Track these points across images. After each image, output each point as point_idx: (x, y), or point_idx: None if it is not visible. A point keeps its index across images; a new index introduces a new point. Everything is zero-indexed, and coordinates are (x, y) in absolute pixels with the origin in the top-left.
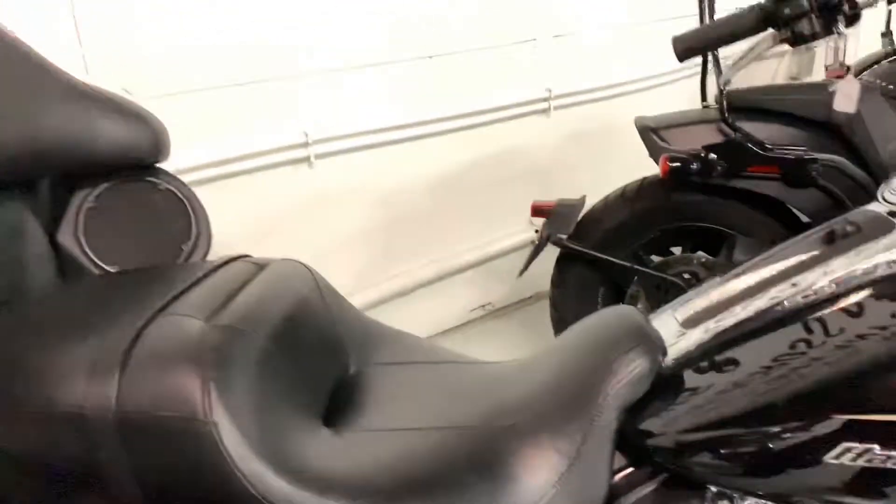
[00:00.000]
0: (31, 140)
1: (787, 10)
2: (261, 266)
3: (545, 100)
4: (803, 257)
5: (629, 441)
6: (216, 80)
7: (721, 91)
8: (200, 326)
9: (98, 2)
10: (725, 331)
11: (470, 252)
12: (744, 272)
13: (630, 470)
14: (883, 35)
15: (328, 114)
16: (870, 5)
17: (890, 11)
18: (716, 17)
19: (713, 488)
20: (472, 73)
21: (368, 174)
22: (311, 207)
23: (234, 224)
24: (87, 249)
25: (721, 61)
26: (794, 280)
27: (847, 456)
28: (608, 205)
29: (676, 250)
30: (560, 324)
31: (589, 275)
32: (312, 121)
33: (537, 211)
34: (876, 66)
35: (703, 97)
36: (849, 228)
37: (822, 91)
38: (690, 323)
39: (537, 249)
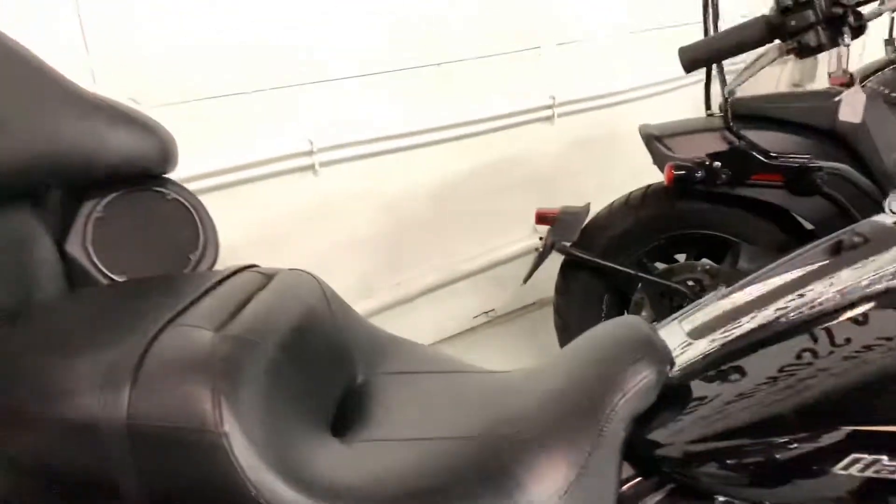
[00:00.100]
0: (40, 150)
1: (793, 22)
2: (269, 276)
3: (549, 107)
4: (810, 268)
5: (637, 451)
6: (222, 89)
7: (725, 99)
8: (210, 337)
9: (105, 11)
10: (732, 341)
11: (473, 259)
12: (750, 283)
13: (638, 480)
14: (886, 42)
15: (333, 121)
16: (875, 16)
17: (893, 19)
18: (720, 27)
19: (721, 498)
20: (477, 81)
21: (373, 181)
22: (315, 215)
23: (240, 231)
24: (96, 259)
25: (725, 70)
26: (801, 291)
27: (855, 467)
28: (612, 212)
29: (680, 258)
30: (564, 331)
31: (593, 282)
32: (317, 129)
33: (541, 218)
34: (880, 74)
35: (708, 105)
36: (856, 239)
37: (827, 99)
38: (697, 333)
39: (541, 257)
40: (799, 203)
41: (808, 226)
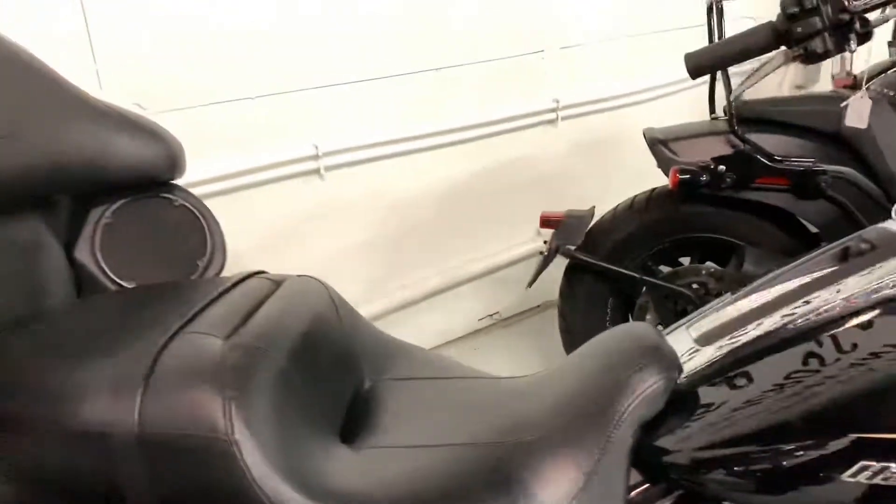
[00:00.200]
0: (50, 158)
1: (799, 29)
2: (277, 283)
3: (553, 110)
4: (817, 275)
5: (645, 458)
6: (227, 94)
7: (730, 103)
8: (220, 345)
9: (112, 18)
10: (739, 348)
11: (478, 262)
12: (757, 289)
13: (646, 486)
14: (890, 44)
15: (338, 126)
16: (882, 23)
17: None
18: (725, 33)
19: None
20: (481, 85)
21: (377, 185)
22: (321, 219)
23: (246, 236)
24: (104, 265)
25: (729, 72)
26: (807, 298)
27: (864, 474)
28: (617, 216)
29: (685, 261)
30: (568, 335)
31: (598, 286)
32: (322, 133)
33: (546, 222)
34: (884, 76)
35: (712, 109)
36: (863, 246)
37: (831, 103)
38: (704, 340)
39: (546, 260)
40: (804, 206)
41: (813, 229)
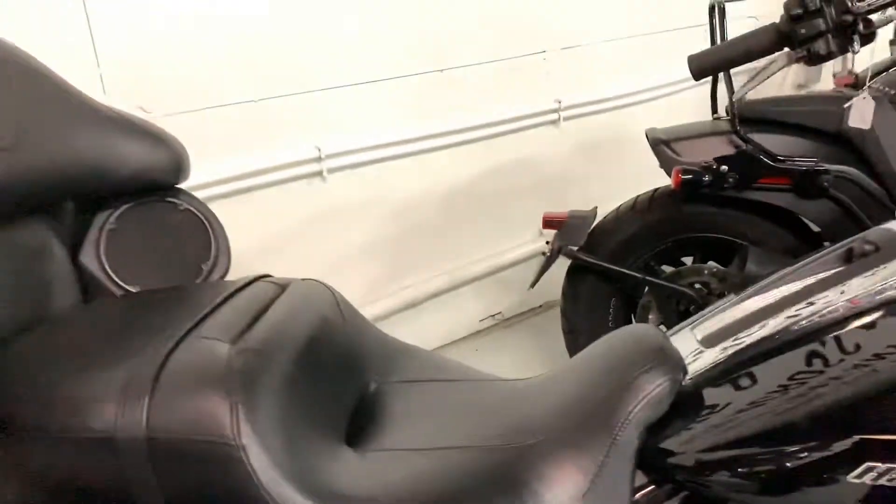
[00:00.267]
0: (56, 165)
1: (803, 31)
2: (282, 286)
3: (555, 111)
4: (821, 276)
5: (650, 459)
6: (230, 98)
7: (732, 103)
8: (227, 350)
9: (115, 22)
10: (744, 349)
11: (480, 262)
12: (761, 291)
13: (651, 488)
14: (892, 43)
15: (340, 128)
16: (885, 24)
17: None
18: (727, 33)
19: None
20: (483, 86)
21: (380, 187)
22: (323, 221)
23: (249, 238)
24: (109, 270)
25: (731, 71)
26: (811, 299)
27: (869, 475)
28: (620, 216)
29: (687, 261)
30: (571, 335)
31: (600, 286)
32: (325, 135)
33: (549, 222)
34: (885, 74)
35: (714, 109)
36: (867, 247)
37: (833, 102)
38: (709, 341)
39: (549, 261)
40: (806, 206)
41: (816, 228)
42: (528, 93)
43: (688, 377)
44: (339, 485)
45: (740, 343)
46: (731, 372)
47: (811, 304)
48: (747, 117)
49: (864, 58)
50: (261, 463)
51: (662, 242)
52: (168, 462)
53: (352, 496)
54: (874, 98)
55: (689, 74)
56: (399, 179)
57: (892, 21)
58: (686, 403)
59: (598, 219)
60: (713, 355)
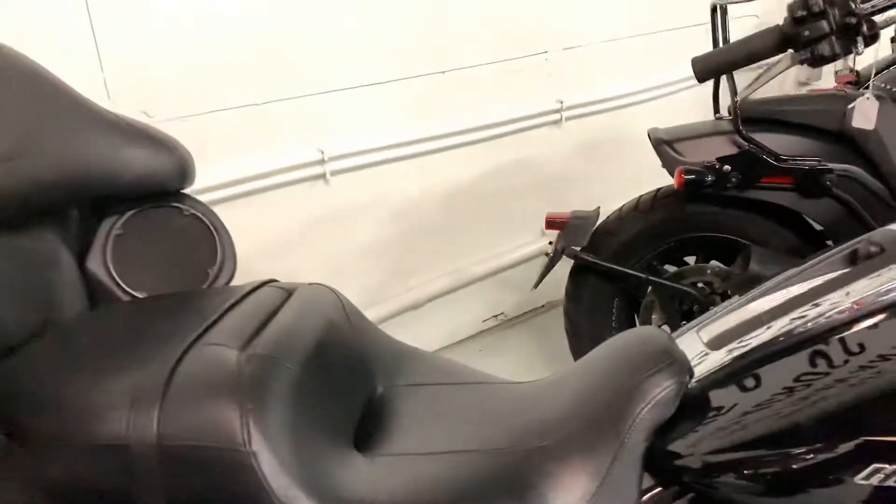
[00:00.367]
0: (63, 173)
1: (807, 33)
2: (289, 291)
3: (557, 111)
4: (826, 278)
5: (657, 461)
6: (233, 101)
7: (734, 103)
8: (236, 356)
9: (118, 27)
10: (749, 351)
11: (483, 263)
12: (766, 293)
13: (658, 490)
14: (893, 40)
15: (343, 131)
16: (889, 24)
17: None
18: (729, 33)
19: None
20: (485, 87)
21: (383, 189)
22: (327, 223)
23: (252, 241)
24: (116, 276)
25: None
26: (816, 301)
27: (877, 477)
28: (622, 217)
29: (690, 260)
30: (574, 335)
31: (603, 286)
32: (327, 138)
33: (551, 223)
34: (886, 72)
35: (716, 109)
36: (872, 249)
37: (835, 101)
38: (714, 343)
39: (552, 262)
40: (809, 205)
41: (819, 227)
42: (530, 93)
43: (694, 379)
44: (349, 490)
45: (746, 345)
46: (737, 374)
47: (817, 305)
48: (750, 117)
49: (866, 55)
50: (272, 469)
51: (665, 242)
52: (179, 469)
53: (362, 501)
54: (877, 97)
55: (690, 73)
56: (402, 181)
57: (895, 22)
58: (692, 406)
59: (601, 219)
60: (719, 357)
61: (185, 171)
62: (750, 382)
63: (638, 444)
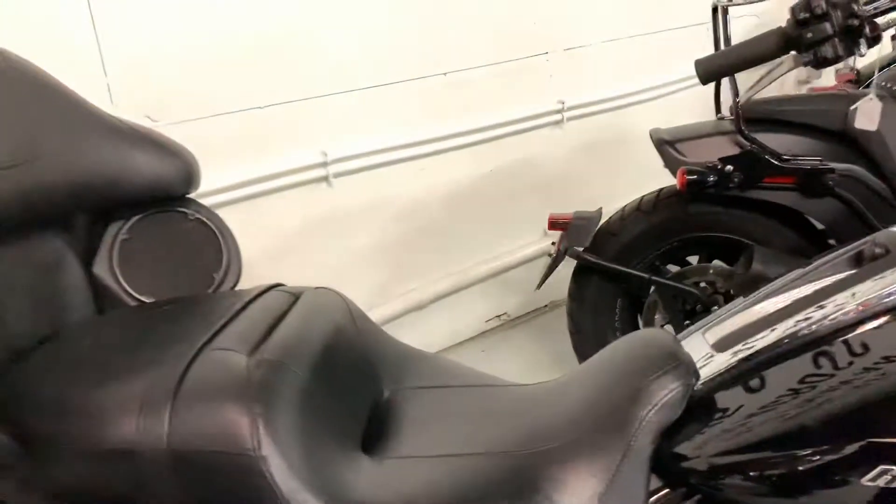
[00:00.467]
0: (69, 179)
1: (809, 35)
2: (295, 296)
3: (558, 112)
4: (831, 280)
5: (664, 463)
6: (236, 105)
7: (736, 103)
8: (245, 361)
9: (121, 32)
10: (755, 353)
11: (485, 263)
12: (771, 294)
13: (665, 492)
14: (893, 38)
15: (345, 133)
16: (891, 26)
17: None
18: (731, 33)
19: None
20: (486, 88)
21: (385, 190)
22: (330, 225)
23: (256, 244)
24: (122, 280)
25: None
26: (822, 303)
27: (883, 478)
28: (625, 217)
29: (693, 260)
30: (577, 336)
31: (606, 286)
32: (330, 140)
33: (554, 223)
34: (887, 70)
35: (718, 109)
36: (877, 251)
37: (837, 101)
38: (720, 345)
39: (555, 262)
40: (811, 205)
41: (821, 227)
42: (532, 94)
43: (700, 381)
44: (358, 493)
45: (751, 347)
46: (742, 376)
47: (821, 307)
48: (751, 117)
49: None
50: (281, 474)
51: (668, 242)
52: (189, 474)
53: None
54: (878, 97)
55: (691, 73)
56: (404, 182)
57: None
58: (698, 408)
59: (604, 219)
60: (724, 359)
61: (190, 176)
62: (756, 384)
63: (645, 446)
